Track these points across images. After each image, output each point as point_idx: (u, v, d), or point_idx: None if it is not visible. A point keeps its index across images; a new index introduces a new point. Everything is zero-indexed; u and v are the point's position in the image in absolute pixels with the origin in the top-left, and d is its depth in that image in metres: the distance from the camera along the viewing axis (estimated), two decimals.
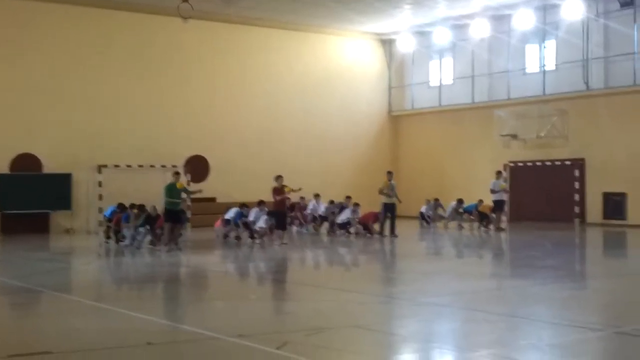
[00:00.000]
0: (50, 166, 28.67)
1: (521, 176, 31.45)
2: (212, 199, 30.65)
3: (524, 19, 31.39)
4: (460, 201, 29.03)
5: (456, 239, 26.02)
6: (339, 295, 13.84)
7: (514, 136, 31.41)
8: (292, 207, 27.05)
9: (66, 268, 19.07)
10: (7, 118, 28.30)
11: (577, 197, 29.41)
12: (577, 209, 29.39)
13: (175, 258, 19.45)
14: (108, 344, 9.46)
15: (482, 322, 10.68)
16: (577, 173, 29.54)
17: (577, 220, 29.06)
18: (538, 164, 31.08)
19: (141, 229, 21.90)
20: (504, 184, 27.70)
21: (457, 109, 35.09)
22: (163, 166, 30.36)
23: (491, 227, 27.43)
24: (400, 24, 34.82)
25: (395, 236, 24.54)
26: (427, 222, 29.99)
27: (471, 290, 13.58)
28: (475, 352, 8.95)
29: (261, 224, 23.20)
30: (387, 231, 24.93)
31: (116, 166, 29.51)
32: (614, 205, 29.19)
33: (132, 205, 22.79)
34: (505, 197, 27.71)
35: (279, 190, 22.73)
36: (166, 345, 9.37)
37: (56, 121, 29.00)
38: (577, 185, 29.55)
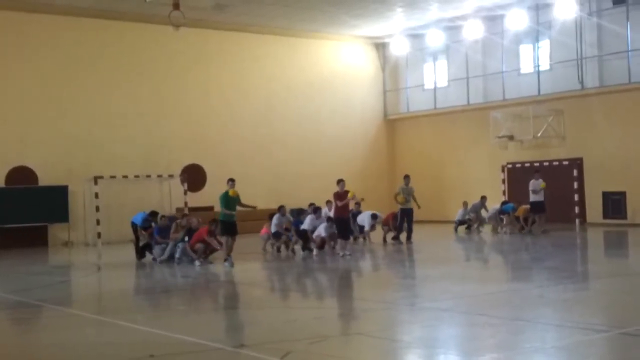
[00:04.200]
0: (45, 178, 28.56)
1: (519, 177, 31.37)
2: (210, 208, 30.53)
3: (517, 19, 31.34)
4: (503, 203, 27.92)
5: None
6: (341, 302, 13.80)
7: (511, 137, 31.38)
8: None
9: (65, 281, 18.96)
10: (1, 131, 28.18)
11: (576, 197, 29.37)
12: (577, 209, 29.34)
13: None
14: (110, 357, 9.39)
15: (485, 326, 10.62)
16: (575, 173, 29.51)
17: (577, 221, 29.01)
18: (536, 164, 31.01)
19: (180, 244, 20.20)
20: (543, 183, 26.47)
21: (452, 111, 35.05)
22: (159, 176, 30.29)
23: (531, 229, 26.35)
24: (393, 27, 34.79)
25: (411, 243, 23.86)
26: (469, 227, 28.41)
27: (473, 293, 13.51)
28: (480, 356, 8.90)
29: (321, 232, 21.28)
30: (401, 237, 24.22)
31: (112, 177, 29.40)
32: (614, 204, 29.14)
33: (163, 217, 21.42)
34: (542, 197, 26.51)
35: (341, 196, 20.73)
36: (169, 357, 9.29)
37: (50, 133, 28.91)
38: (575, 185, 29.52)
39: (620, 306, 12.12)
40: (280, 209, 22.76)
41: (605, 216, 29.51)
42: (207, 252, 19.93)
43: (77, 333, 11.08)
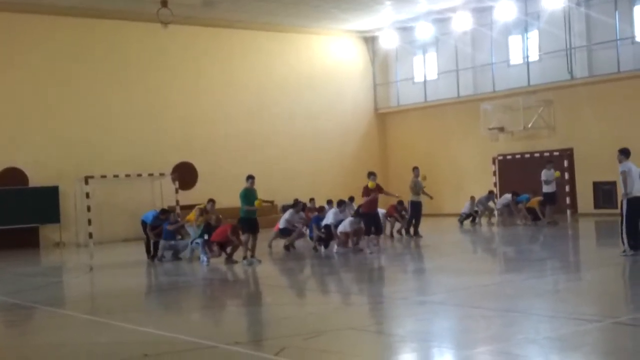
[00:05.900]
0: (36, 179, 28.45)
1: (510, 169, 31.43)
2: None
3: (506, 11, 31.36)
4: (514, 193, 27.46)
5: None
6: (335, 297, 13.80)
7: (501, 129, 31.45)
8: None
9: (58, 282, 18.91)
10: None
11: (567, 187, 29.42)
12: (567, 200, 29.39)
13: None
14: (104, 357, 9.38)
15: (478, 318, 10.64)
16: (566, 163, 29.55)
17: (568, 211, 29.04)
18: (527, 156, 31.06)
19: (199, 240, 19.49)
20: (557, 172, 26.19)
21: (442, 104, 35.04)
22: (150, 175, 30.21)
23: (541, 221, 26.03)
24: (382, 20, 34.76)
25: (420, 236, 23.55)
26: (473, 220, 28.42)
27: (466, 286, 13.52)
28: (474, 349, 8.90)
29: (346, 227, 20.26)
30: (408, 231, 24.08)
31: (103, 177, 29.32)
32: (604, 194, 29.17)
33: (164, 211, 21.10)
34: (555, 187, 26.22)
35: (370, 190, 19.95)
36: (162, 356, 9.27)
37: (40, 133, 28.77)
38: (566, 175, 29.55)
39: (613, 296, 12.17)
40: (297, 204, 22.18)
41: (596, 206, 29.55)
42: (226, 252, 19.30)
43: (71, 334, 11.05)
